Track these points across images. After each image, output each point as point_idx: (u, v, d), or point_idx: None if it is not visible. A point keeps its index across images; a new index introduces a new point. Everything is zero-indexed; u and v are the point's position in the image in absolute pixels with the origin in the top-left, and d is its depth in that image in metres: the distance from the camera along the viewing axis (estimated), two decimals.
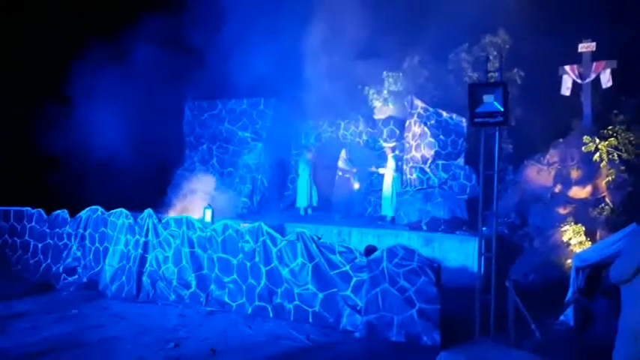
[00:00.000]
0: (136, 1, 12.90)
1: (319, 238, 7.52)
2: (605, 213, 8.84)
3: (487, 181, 6.57)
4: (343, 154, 12.50)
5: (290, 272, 7.55)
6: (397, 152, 12.01)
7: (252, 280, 7.83)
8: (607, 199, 9.03)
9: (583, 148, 9.40)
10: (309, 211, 12.55)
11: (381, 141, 12.79)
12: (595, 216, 8.91)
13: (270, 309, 7.65)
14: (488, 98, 5.91)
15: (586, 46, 10.26)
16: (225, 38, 12.32)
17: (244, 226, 8.11)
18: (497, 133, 6.27)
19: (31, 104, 12.09)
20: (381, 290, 6.90)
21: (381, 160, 12.23)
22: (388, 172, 11.59)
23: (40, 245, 9.68)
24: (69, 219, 9.51)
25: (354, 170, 12.33)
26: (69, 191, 11.04)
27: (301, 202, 12.63)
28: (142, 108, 12.66)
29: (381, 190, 11.86)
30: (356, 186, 12.35)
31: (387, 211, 11.56)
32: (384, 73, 12.98)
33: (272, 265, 7.69)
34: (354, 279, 7.14)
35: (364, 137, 13.21)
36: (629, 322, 4.10)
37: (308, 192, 12.50)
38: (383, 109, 13.23)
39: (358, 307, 7.06)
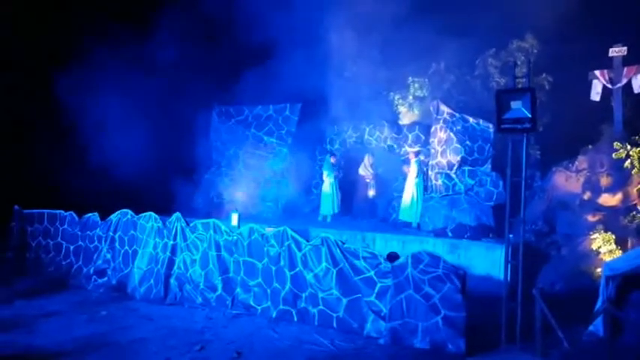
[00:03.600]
0: (165, 6, 13.14)
1: (343, 243, 7.55)
2: (636, 221, 8.61)
3: (514, 187, 6.52)
4: (367, 160, 12.47)
5: (314, 277, 7.60)
6: (422, 157, 11.95)
7: (277, 284, 7.90)
8: (639, 207, 8.82)
9: (613, 155, 9.20)
10: (328, 218, 12.32)
11: (406, 146, 12.73)
12: (626, 224, 8.70)
13: (294, 313, 7.71)
14: (515, 104, 5.87)
15: (617, 50, 10.05)
16: (253, 44, 12.48)
17: (270, 230, 8.19)
18: (524, 140, 6.21)
19: (63, 105, 12.37)
20: (406, 297, 6.89)
21: (406, 165, 12.16)
22: (411, 177, 11.52)
23: (71, 247, 9.96)
24: (100, 222, 9.76)
25: (371, 176, 12.27)
26: (99, 195, 11.29)
27: (325, 209, 12.38)
28: (171, 113, 12.91)
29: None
30: (371, 193, 12.29)
31: (406, 216, 11.45)
32: (410, 78, 12.95)
33: (297, 269, 7.74)
34: (379, 285, 7.15)
35: (389, 142, 13.18)
36: None
37: (332, 199, 12.36)
38: (408, 114, 13.20)
39: (382, 313, 7.06)
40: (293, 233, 7.86)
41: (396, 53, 12.93)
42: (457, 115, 11.24)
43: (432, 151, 11.75)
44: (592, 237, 8.74)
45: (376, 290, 7.16)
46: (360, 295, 7.27)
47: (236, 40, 12.95)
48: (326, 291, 7.49)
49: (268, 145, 13.46)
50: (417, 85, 12.84)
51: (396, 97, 13.19)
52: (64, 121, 12.26)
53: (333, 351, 6.60)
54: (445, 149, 11.22)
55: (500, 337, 6.37)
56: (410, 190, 11.44)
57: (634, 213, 8.74)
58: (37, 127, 12.55)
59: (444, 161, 11.22)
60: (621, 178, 9.20)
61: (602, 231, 8.73)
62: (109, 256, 9.47)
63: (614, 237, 8.57)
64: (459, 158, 10.94)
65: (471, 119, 11.16)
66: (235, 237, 8.34)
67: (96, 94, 12.27)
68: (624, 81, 9.94)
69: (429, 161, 11.90)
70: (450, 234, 10.34)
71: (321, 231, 9.14)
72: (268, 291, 7.98)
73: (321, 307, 7.51)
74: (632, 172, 8.98)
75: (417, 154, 11.74)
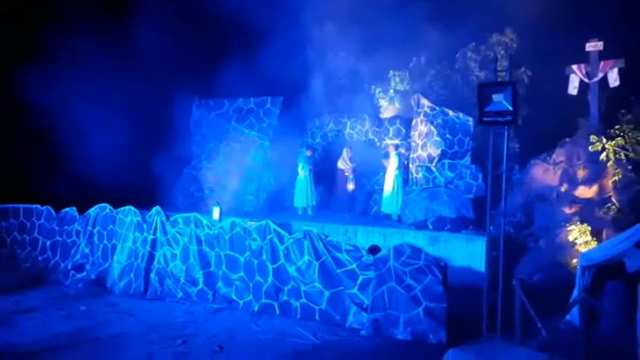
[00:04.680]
0: None
1: (326, 237, 7.57)
2: (611, 213, 8.80)
3: (494, 180, 6.60)
4: (345, 153, 12.49)
5: (297, 270, 7.61)
6: (402, 150, 12.00)
7: (259, 277, 7.89)
8: (613, 199, 8.99)
9: (590, 148, 9.37)
10: (309, 211, 12.36)
11: (387, 139, 12.77)
12: (601, 216, 8.88)
13: (276, 306, 7.71)
14: (497, 97, 5.95)
15: (593, 45, 10.20)
16: (233, 37, 12.37)
17: (251, 224, 8.16)
18: (506, 133, 6.30)
19: (38, 100, 12.09)
20: (388, 288, 6.95)
21: (385, 159, 12.17)
22: (390, 170, 11.55)
23: (48, 242, 9.79)
24: (78, 216, 9.61)
25: (350, 170, 12.30)
26: (76, 189, 11.11)
27: (299, 201, 12.41)
28: (150, 106, 12.74)
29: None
30: (350, 186, 12.32)
31: (388, 209, 11.51)
32: (391, 71, 12.98)
33: (279, 262, 7.74)
34: (361, 277, 7.19)
35: (370, 136, 13.21)
36: None
37: (306, 191, 12.34)
38: (389, 107, 13.24)
39: (365, 305, 7.11)
40: (275, 227, 7.85)
41: (377, 46, 12.95)
42: (437, 108, 11.32)
43: (413, 144, 11.82)
44: (569, 229, 8.90)
45: (358, 282, 7.20)
46: (342, 287, 7.30)
47: (216, 32, 12.82)
48: (308, 284, 7.51)
49: (249, 139, 13.36)
50: (397, 79, 12.89)
51: (377, 90, 13.22)
52: (40, 116, 11.98)
53: (315, 343, 6.62)
54: (425, 142, 11.29)
55: (482, 327, 6.47)
56: (390, 183, 11.50)
57: (609, 205, 8.92)
58: (13, 122, 12.26)
59: (424, 154, 11.30)
60: (597, 171, 9.36)
61: (578, 223, 8.90)
62: (87, 250, 9.34)
63: (589, 228, 8.73)
64: (439, 151, 11.03)
65: (451, 112, 11.25)
66: (217, 231, 8.30)
67: (73, 88, 12.02)
68: (600, 75, 10.10)
69: (409, 154, 11.97)
70: (430, 226, 10.43)
71: (302, 224, 9.13)
72: (250, 285, 7.97)
73: (303, 300, 7.53)
74: (608, 165, 9.15)
75: (396, 147, 11.79)
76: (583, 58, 10.31)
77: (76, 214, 9.65)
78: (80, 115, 11.97)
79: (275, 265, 7.77)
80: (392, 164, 11.53)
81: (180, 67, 13.35)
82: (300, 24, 12.68)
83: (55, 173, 11.50)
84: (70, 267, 9.37)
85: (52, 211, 9.90)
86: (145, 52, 12.44)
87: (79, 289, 8.96)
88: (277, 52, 12.31)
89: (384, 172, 11.91)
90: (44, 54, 12.10)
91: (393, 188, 11.44)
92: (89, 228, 9.40)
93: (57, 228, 9.76)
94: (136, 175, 11.88)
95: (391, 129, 12.88)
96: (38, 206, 10.01)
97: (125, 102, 12.30)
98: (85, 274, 9.25)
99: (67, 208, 9.77)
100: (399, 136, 12.61)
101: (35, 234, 9.95)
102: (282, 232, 7.81)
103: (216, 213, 9.97)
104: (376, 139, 13.12)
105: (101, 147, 11.52)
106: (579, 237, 8.70)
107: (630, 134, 9.19)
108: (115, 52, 12.35)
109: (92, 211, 9.45)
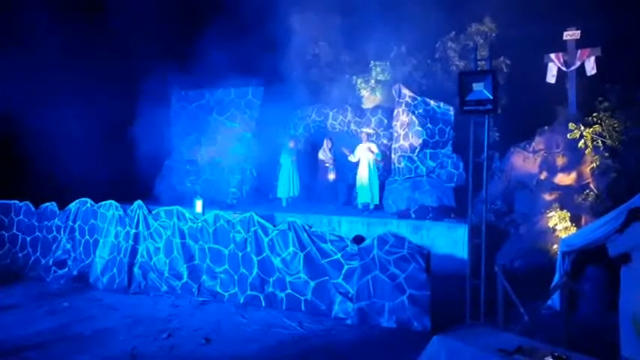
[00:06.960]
0: None
1: (310, 227, 7.59)
2: (589, 199, 8.97)
3: (474, 168, 6.68)
4: (325, 144, 12.49)
5: (282, 261, 7.62)
6: (385, 141, 12.02)
7: (244, 269, 7.88)
8: (592, 185, 9.17)
9: (568, 135, 9.53)
10: (284, 202, 12.32)
11: (364, 128, 12.72)
12: (580, 202, 9.05)
13: (262, 298, 7.72)
14: (477, 86, 5.99)
15: (571, 34, 10.34)
16: (213, 26, 12.22)
17: (235, 216, 8.14)
18: (487, 121, 6.36)
19: (16, 89, 11.80)
20: (372, 277, 7.01)
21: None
22: (364, 159, 11.53)
23: (28, 238, 9.66)
24: (58, 211, 9.48)
25: (331, 161, 12.31)
26: (54, 184, 10.93)
27: (282, 192, 12.39)
28: (129, 99, 12.55)
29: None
30: (331, 177, 12.34)
31: (364, 198, 11.52)
32: (372, 61, 12.96)
33: (264, 254, 7.75)
34: (346, 267, 7.24)
35: (352, 127, 13.20)
36: (628, 303, 4.24)
37: (289, 182, 12.33)
38: (371, 98, 13.23)
39: (350, 295, 7.16)
40: (259, 219, 7.85)
41: (358, 36, 12.92)
42: (419, 98, 11.36)
43: (395, 134, 11.85)
44: (548, 215, 9.05)
45: (343, 272, 7.25)
46: (327, 277, 7.35)
47: (196, 21, 12.65)
48: (294, 275, 7.53)
49: (231, 130, 13.25)
50: (379, 69, 12.86)
51: (359, 80, 13.19)
52: (9, 113, 11.68)
53: (302, 333, 6.66)
54: (407, 132, 11.34)
55: (465, 313, 6.57)
56: (365, 172, 11.47)
57: (587, 191, 9.09)
58: None
59: (406, 144, 11.34)
60: (575, 158, 9.54)
61: (558, 209, 9.05)
62: (68, 246, 9.23)
63: (569, 214, 8.90)
64: (420, 141, 11.08)
65: (432, 102, 11.30)
66: (200, 224, 8.26)
67: (46, 79, 11.76)
68: (578, 64, 10.25)
69: (391, 145, 12.00)
70: (413, 215, 10.52)
71: (286, 216, 9.14)
72: (235, 277, 7.96)
73: (289, 290, 7.56)
74: (586, 152, 9.33)
75: (369, 135, 11.84)
76: (561, 47, 10.45)
77: (56, 209, 9.52)
78: (55, 109, 11.73)
79: (260, 257, 7.78)
80: (366, 152, 11.45)
81: (158, 57, 13.13)
82: (281, 13, 12.58)
83: (32, 170, 11.27)
84: (51, 263, 9.26)
85: (31, 206, 9.75)
86: (121, 40, 12.22)
87: (61, 285, 8.88)
88: (258, 41, 12.20)
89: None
90: (21, 43, 11.80)
91: (370, 176, 11.43)
92: (70, 223, 9.29)
93: (36, 224, 9.63)
94: (115, 169, 11.71)
95: (373, 119, 12.89)
96: (16, 202, 9.85)
97: (103, 94, 12.07)
98: (67, 269, 9.16)
99: (47, 203, 9.64)
100: (381, 127, 12.63)
101: (14, 230, 9.80)
102: (267, 224, 7.81)
103: (198, 206, 9.94)
104: (358, 130, 13.11)
105: (78, 142, 11.33)
106: (559, 223, 8.85)
107: (607, 121, 9.36)
108: (89, 41, 12.10)
109: (73, 205, 9.34)
